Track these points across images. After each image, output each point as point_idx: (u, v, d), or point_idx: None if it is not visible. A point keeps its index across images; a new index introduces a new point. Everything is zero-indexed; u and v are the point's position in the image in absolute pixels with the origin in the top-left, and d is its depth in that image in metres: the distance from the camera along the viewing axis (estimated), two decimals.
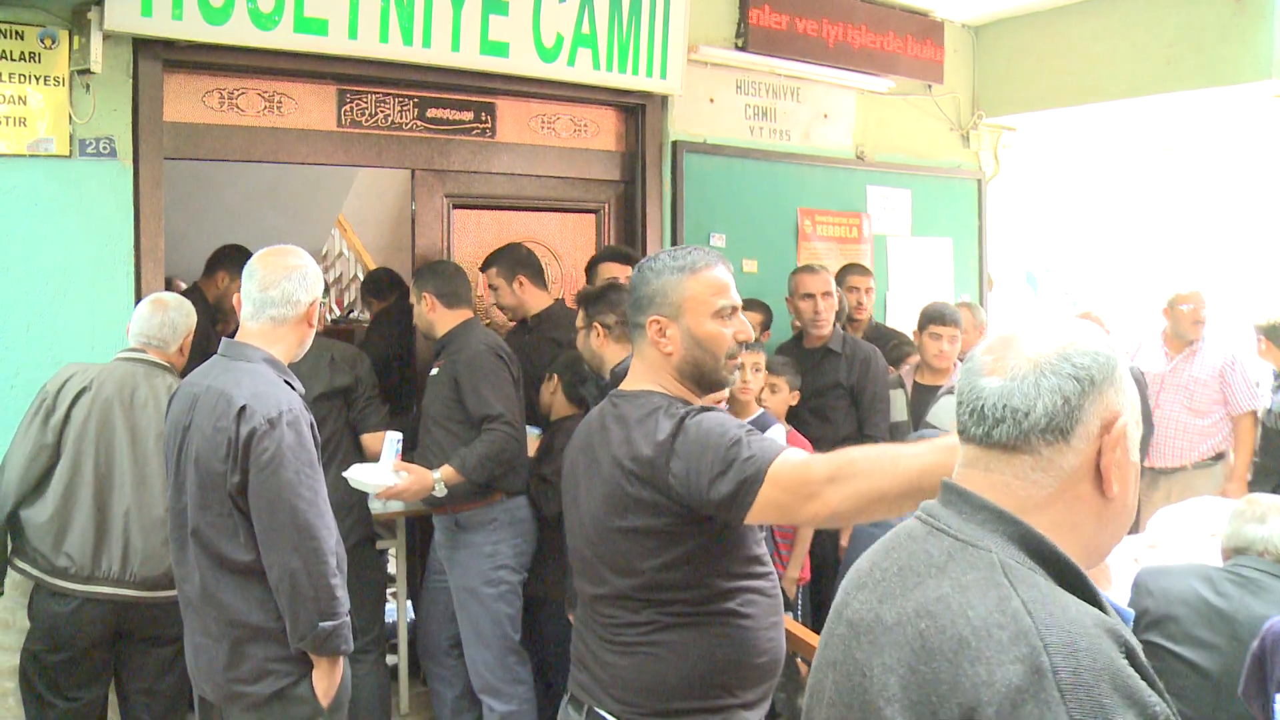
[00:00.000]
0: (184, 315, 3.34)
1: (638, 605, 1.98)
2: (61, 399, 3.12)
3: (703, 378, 2.07)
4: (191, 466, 2.40)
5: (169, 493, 2.53)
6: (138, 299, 3.59)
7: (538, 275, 4.20)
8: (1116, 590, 2.91)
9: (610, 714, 2.01)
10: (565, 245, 4.87)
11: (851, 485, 1.77)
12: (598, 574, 2.04)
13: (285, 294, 2.48)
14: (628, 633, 2.00)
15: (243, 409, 2.32)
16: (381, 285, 5.42)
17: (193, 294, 4.20)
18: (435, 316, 3.75)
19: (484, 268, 4.22)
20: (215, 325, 4.47)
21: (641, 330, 2.08)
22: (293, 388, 2.47)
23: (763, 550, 2.09)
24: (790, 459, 1.85)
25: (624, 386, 2.12)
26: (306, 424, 2.42)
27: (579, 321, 3.51)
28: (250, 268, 2.52)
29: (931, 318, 4.43)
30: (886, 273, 5.78)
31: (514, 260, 4.15)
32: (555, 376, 3.86)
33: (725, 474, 1.84)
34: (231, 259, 4.49)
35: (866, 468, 1.77)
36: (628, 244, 4.93)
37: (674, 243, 4.87)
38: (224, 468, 2.34)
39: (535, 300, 4.15)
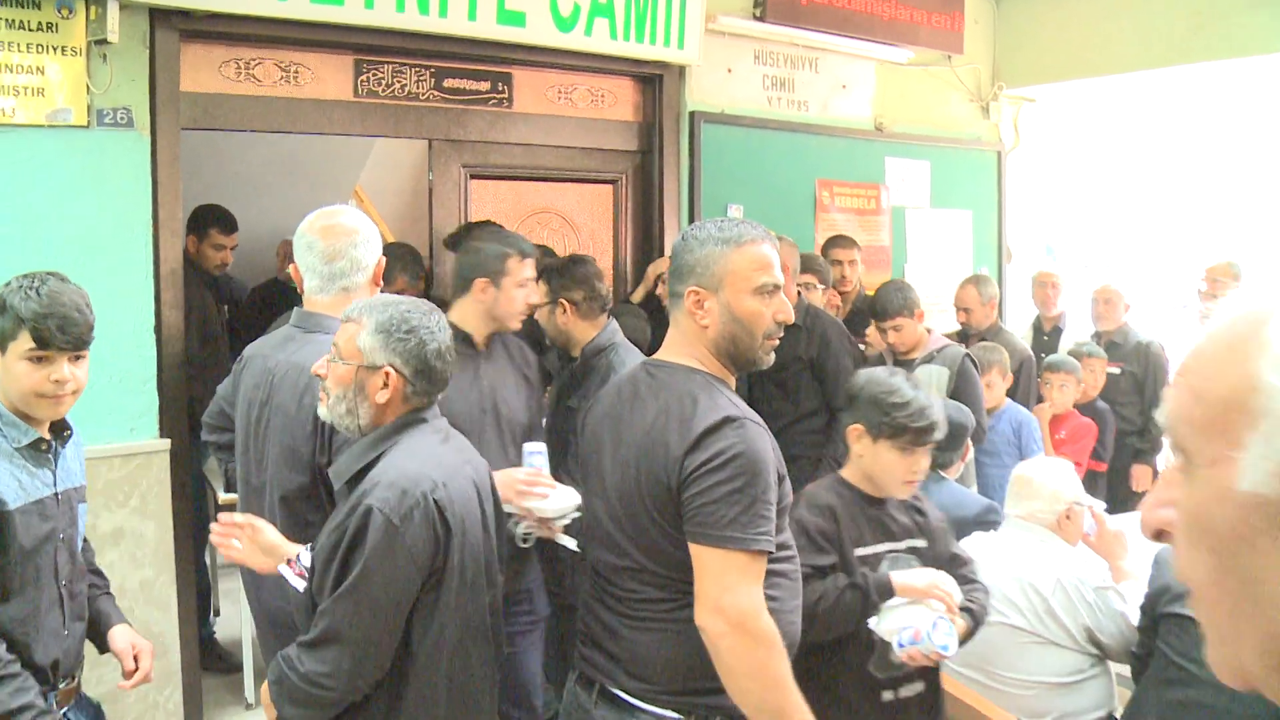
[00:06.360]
0: None
1: (662, 582, 1.92)
2: None
3: (738, 355, 2.00)
4: (272, 445, 2.28)
5: (243, 468, 2.40)
6: (156, 269, 3.61)
7: None
8: (1135, 564, 2.91)
9: (627, 693, 1.94)
10: (583, 216, 4.86)
11: (756, 657, 1.81)
12: (619, 546, 1.96)
13: (353, 261, 2.37)
14: (650, 608, 1.94)
15: None
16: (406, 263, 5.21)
17: None
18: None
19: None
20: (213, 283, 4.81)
21: (679, 299, 2.00)
22: None
23: (788, 535, 2.02)
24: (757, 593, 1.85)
25: (661, 355, 2.05)
26: None
27: (542, 295, 3.26)
28: (308, 240, 2.40)
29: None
30: (905, 244, 5.75)
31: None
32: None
33: (736, 515, 1.83)
34: (199, 218, 4.71)
35: (776, 666, 1.82)
36: (644, 215, 4.91)
37: (692, 214, 4.85)
38: (310, 446, 2.22)
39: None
